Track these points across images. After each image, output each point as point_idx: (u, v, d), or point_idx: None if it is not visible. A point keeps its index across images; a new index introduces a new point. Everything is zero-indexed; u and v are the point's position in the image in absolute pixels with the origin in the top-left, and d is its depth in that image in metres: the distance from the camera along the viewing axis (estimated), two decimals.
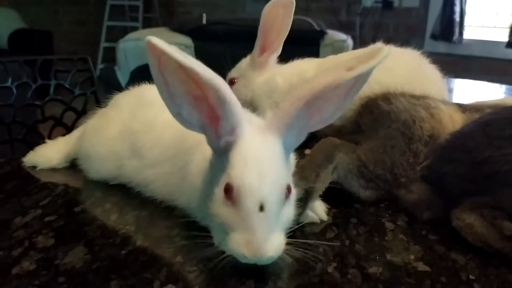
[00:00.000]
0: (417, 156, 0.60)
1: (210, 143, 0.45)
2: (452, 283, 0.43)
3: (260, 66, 0.87)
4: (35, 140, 1.00)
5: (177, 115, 0.43)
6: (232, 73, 0.92)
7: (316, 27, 2.59)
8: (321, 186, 0.56)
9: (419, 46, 3.23)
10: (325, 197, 0.56)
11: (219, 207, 0.43)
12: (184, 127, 0.44)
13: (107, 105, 0.68)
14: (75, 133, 0.72)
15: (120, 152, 0.59)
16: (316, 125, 0.47)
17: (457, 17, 3.51)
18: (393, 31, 3.86)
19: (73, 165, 0.68)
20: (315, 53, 2.65)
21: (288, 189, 0.43)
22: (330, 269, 0.44)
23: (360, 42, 3.99)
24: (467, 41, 3.55)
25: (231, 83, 0.91)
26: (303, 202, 0.53)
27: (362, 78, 0.44)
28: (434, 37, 3.58)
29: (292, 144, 0.46)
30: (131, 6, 4.74)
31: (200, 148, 0.49)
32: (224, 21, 2.48)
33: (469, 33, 3.55)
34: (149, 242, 0.48)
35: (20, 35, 3.78)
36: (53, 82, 1.15)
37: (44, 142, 0.73)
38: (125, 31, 4.53)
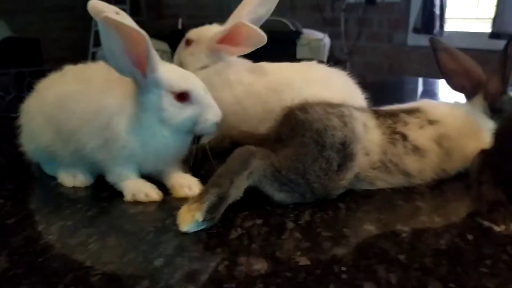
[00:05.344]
0: (330, 162, 0.65)
1: (139, 83, 0.65)
2: (324, 274, 0.49)
3: (213, 49, 0.90)
4: (11, 151, 1.07)
5: (116, 66, 0.63)
6: (192, 35, 0.94)
7: (291, 27, 2.64)
8: (235, 192, 0.61)
9: (402, 40, 3.27)
10: (243, 201, 0.62)
11: (179, 113, 0.65)
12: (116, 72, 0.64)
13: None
14: None
15: (48, 140, 0.70)
16: None
17: (437, 10, 3.55)
18: (377, 26, 3.90)
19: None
20: (292, 54, 2.71)
21: None
22: (220, 267, 0.50)
23: (346, 37, 4.04)
24: (448, 34, 3.59)
25: (187, 42, 0.93)
26: (216, 208, 0.59)
27: None
28: (416, 30, 3.63)
29: None
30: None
31: (119, 111, 0.66)
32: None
33: (451, 26, 3.59)
34: (66, 250, 0.54)
35: (7, 44, 3.84)
36: (25, 94, 1.21)
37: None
38: None
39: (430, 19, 3.52)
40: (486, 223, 0.58)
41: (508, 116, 0.69)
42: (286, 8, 4.33)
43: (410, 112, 0.75)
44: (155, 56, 0.63)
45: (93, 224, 0.60)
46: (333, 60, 4.02)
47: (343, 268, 0.50)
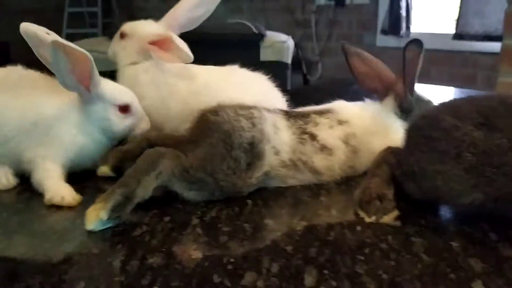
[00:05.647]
0: (238, 161, 0.69)
1: (84, 97, 0.73)
2: (211, 266, 0.52)
3: (144, 47, 0.90)
4: None
5: (63, 83, 0.70)
6: (126, 28, 0.93)
7: (254, 30, 2.67)
8: (143, 191, 0.63)
9: (372, 41, 3.35)
10: (155, 199, 0.65)
11: (122, 122, 0.76)
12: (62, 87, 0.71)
13: None
14: None
15: None
16: None
17: (403, 12, 3.64)
18: (346, 27, 3.99)
19: None
20: (256, 56, 2.75)
21: None
22: (115, 262, 0.53)
23: (317, 39, 4.11)
24: (414, 35, 3.67)
25: (122, 36, 0.93)
26: (122, 207, 0.62)
27: None
28: (384, 32, 3.72)
29: None
30: (90, 12, 4.74)
31: (62, 119, 0.73)
32: None
33: (417, 27, 3.68)
34: None
35: None
36: None
37: None
38: (85, 38, 4.56)
39: (396, 20, 3.61)
40: (361, 214, 0.63)
41: (416, 115, 0.74)
42: (258, 10, 4.38)
43: (321, 113, 0.79)
44: (97, 73, 0.71)
45: (4, 225, 0.62)
46: (305, 61, 4.09)
47: (231, 260, 0.54)
